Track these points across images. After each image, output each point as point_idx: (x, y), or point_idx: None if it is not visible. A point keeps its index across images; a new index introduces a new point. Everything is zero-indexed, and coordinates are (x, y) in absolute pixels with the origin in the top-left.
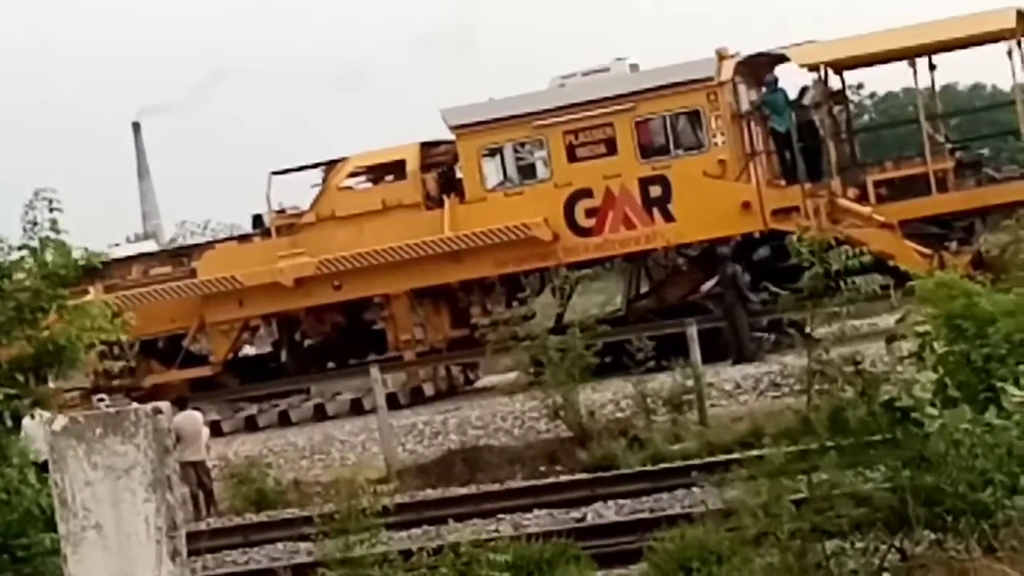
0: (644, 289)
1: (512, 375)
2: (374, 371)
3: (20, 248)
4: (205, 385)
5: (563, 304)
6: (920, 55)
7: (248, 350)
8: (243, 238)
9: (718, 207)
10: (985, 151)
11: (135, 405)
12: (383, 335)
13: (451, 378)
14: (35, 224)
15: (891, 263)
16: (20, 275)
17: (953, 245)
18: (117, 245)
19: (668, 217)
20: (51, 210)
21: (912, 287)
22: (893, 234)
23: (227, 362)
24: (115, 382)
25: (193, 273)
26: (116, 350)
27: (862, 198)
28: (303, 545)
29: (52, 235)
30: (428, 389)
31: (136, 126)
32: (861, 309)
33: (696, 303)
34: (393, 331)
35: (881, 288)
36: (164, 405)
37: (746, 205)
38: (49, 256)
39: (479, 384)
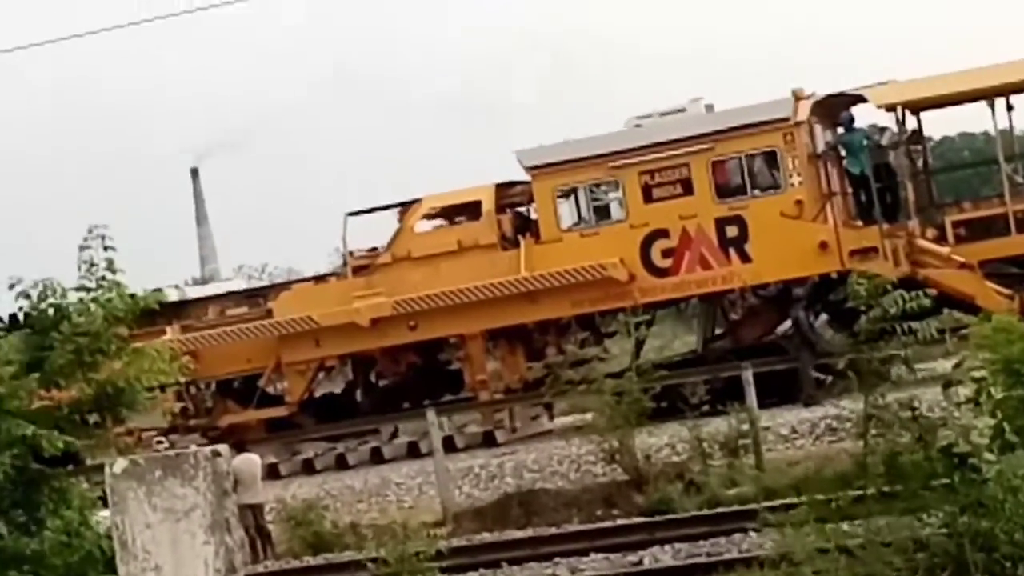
0: (719, 330)
1: (585, 416)
2: (430, 414)
3: (77, 289)
4: (280, 426)
5: (638, 345)
6: (999, 95)
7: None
8: (319, 279)
9: (795, 247)
10: None
11: (194, 448)
12: (459, 375)
13: (530, 418)
14: (92, 265)
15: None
16: (79, 318)
17: None
18: (188, 285)
19: (744, 257)
20: (105, 248)
21: (968, 332)
22: (973, 275)
23: (303, 402)
24: (192, 422)
25: (269, 313)
26: (193, 391)
27: (940, 239)
28: None
29: (108, 275)
30: (501, 436)
31: (195, 172)
32: (918, 353)
33: (772, 343)
34: (469, 371)
35: (938, 332)
36: (223, 448)
37: (823, 245)
38: (109, 297)
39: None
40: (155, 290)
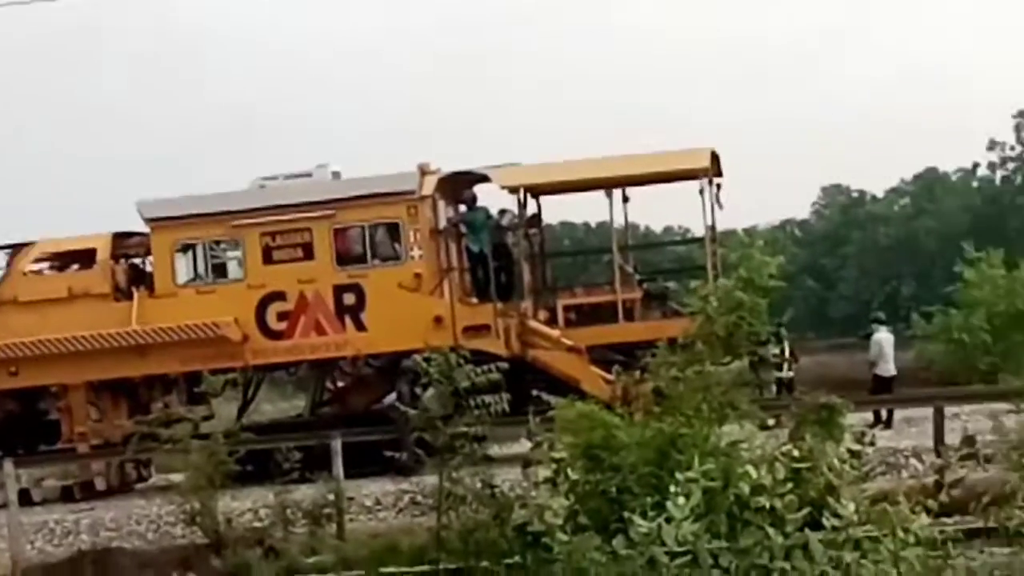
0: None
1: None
2: (7, 465)
3: None
4: None
5: (242, 406)
6: (618, 186)
7: None
8: None
9: (410, 320)
10: (672, 284)
11: None
12: (59, 425)
13: (124, 474)
14: None
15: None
16: None
17: (636, 374)
18: None
19: (360, 326)
20: None
21: (552, 415)
22: (580, 358)
23: None
24: None
25: None
26: None
27: (552, 321)
28: None
29: None
30: (100, 483)
31: None
32: (499, 434)
33: (381, 412)
34: (68, 423)
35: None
36: None
37: (438, 320)
38: None
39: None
40: None
